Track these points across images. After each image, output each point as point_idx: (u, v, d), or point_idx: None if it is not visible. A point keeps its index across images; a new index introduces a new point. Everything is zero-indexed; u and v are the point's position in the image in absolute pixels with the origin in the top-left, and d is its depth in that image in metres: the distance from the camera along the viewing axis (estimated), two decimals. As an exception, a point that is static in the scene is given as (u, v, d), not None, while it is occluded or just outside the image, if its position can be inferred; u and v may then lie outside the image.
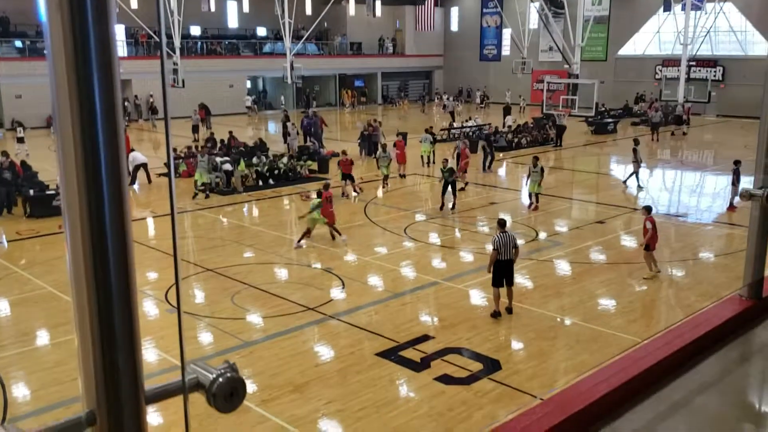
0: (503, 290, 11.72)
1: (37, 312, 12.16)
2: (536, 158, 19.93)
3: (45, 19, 1.42)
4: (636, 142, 23.43)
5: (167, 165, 1.86)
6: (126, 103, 41.44)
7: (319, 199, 16.02)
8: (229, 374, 1.57)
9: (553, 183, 24.17)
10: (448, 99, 47.00)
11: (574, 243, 16.51)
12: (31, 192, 19.01)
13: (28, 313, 12.17)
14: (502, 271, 11.61)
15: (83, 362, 1.48)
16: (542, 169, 19.50)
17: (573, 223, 18.67)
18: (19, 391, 9.50)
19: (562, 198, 21.54)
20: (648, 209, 14.06)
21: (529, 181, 19.69)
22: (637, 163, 22.51)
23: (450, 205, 19.37)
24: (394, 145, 24.68)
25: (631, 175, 22.87)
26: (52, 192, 18.90)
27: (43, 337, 11.31)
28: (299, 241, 15.97)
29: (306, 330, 11.38)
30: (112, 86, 1.46)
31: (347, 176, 21.21)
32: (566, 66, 34.10)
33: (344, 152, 22.65)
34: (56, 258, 14.99)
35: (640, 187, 22.49)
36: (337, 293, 13.11)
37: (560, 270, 14.60)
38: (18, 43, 39.28)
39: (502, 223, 12.07)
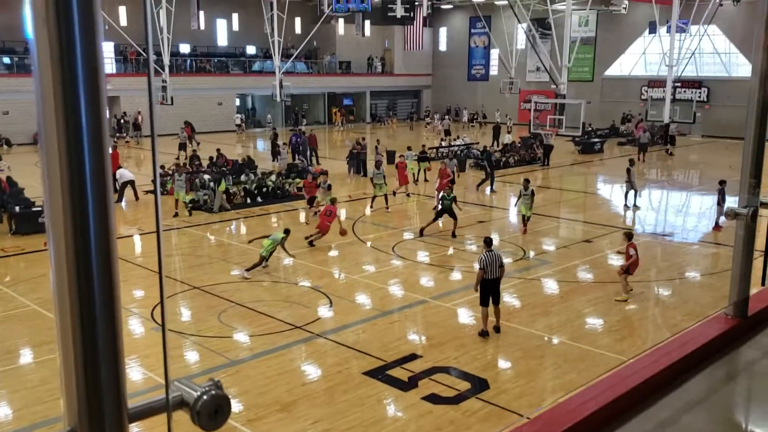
0: (490, 309, 11.71)
1: (21, 330, 12.02)
2: (527, 181, 19.34)
3: (32, 34, 1.41)
4: (631, 162, 23.19)
5: (154, 182, 1.86)
6: (123, 120, 41.35)
7: (283, 236, 15.29)
8: (213, 392, 1.56)
9: (540, 202, 24.25)
10: (443, 117, 47.24)
11: (561, 262, 16.56)
12: (17, 209, 18.86)
13: (12, 331, 12.01)
14: (488, 290, 11.60)
15: (65, 379, 1.46)
16: (533, 192, 19.03)
17: (560, 242, 18.73)
18: (1, 410, 9.35)
19: (550, 217, 21.63)
20: (629, 236, 13.97)
21: (519, 203, 19.24)
22: (630, 183, 22.40)
23: (451, 233, 18.61)
24: (396, 165, 24.43)
25: (627, 195, 22.68)
26: (38, 209, 18.76)
27: (26, 356, 11.17)
28: (247, 270, 14.95)
29: (293, 348, 11.30)
30: (99, 103, 1.45)
31: (311, 200, 21.07)
32: (553, 86, 34.40)
33: (312, 175, 22.78)
34: (41, 275, 14.83)
35: (636, 207, 22.45)
36: (324, 311, 13.05)
37: (548, 289, 14.62)
38: (6, 60, 39.18)
39: (488, 242, 12.07)
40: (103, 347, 1.46)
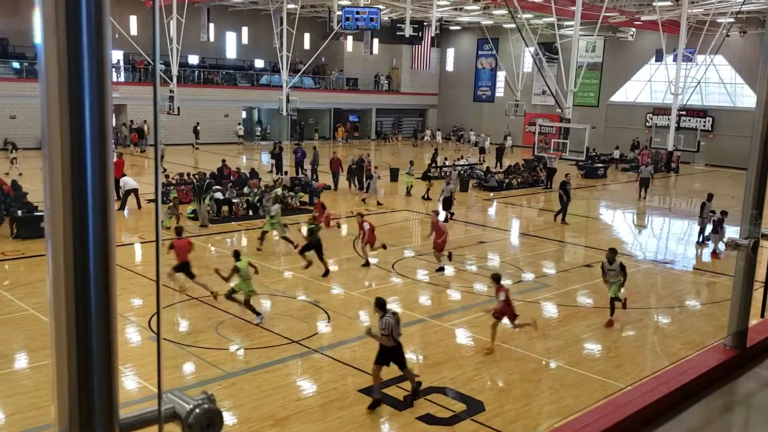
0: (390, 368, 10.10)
1: (18, 334, 11.99)
2: (613, 251, 13.78)
3: (41, 41, 1.43)
4: (709, 197, 21.68)
5: (155, 191, 1.86)
6: (131, 127, 41.42)
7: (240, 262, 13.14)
8: (206, 405, 1.55)
9: (542, 225, 24.27)
10: (479, 135, 47.68)
11: (561, 285, 16.51)
12: (19, 212, 18.88)
13: (8, 335, 11.98)
14: (388, 357, 9.89)
15: (57, 385, 1.45)
16: (622, 266, 13.47)
17: (561, 265, 18.70)
18: (-7, 415, 9.30)
19: (552, 240, 21.60)
20: (497, 278, 11.99)
21: (607, 282, 13.63)
22: (702, 218, 21.03)
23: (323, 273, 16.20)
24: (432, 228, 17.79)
25: (702, 231, 21.39)
26: (41, 213, 18.77)
27: (22, 360, 11.13)
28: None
29: (289, 363, 11.25)
30: (104, 110, 1.46)
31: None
32: (558, 110, 34.53)
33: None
34: (40, 280, 14.81)
35: (703, 243, 21.22)
36: (322, 327, 13.01)
37: (547, 312, 14.57)
38: (15, 65, 39.43)
39: (381, 305, 9.93)
40: (97, 355, 1.46)
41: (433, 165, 33.36)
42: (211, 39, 41.45)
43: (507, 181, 32.27)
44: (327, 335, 12.63)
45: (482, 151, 43.06)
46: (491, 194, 29.90)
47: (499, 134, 49.13)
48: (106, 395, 1.46)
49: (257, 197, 23.66)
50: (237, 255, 13.18)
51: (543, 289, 16.22)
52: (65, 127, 1.42)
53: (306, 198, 25.44)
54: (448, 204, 23.25)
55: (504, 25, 48.05)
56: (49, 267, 1.46)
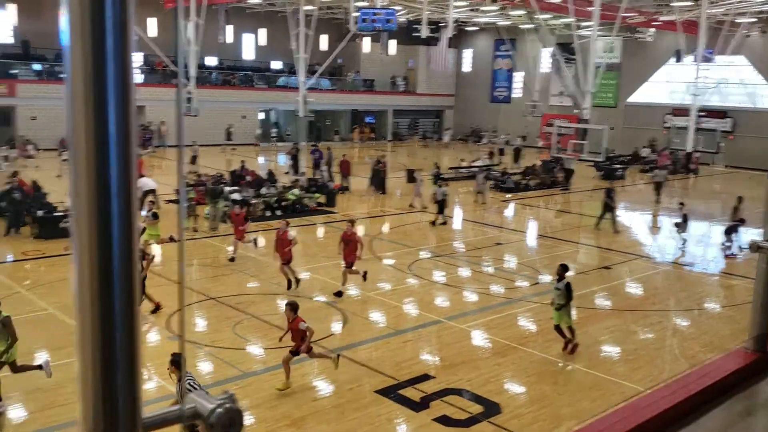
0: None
1: (38, 333, 12.11)
2: (564, 267, 12.12)
3: (67, 43, 1.45)
4: (739, 200, 21.30)
5: (178, 192, 1.88)
6: (154, 127, 41.71)
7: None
8: (227, 405, 1.56)
9: (559, 227, 24.16)
10: (499, 136, 47.56)
11: (579, 288, 16.37)
12: (40, 213, 19.10)
13: (29, 334, 12.10)
14: None
15: (82, 385, 1.47)
16: (568, 287, 11.85)
17: (579, 267, 18.58)
18: (16, 413, 9.41)
19: (569, 242, 21.48)
20: (293, 306, 10.24)
21: (553, 306, 12.12)
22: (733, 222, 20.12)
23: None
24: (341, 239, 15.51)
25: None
26: (60, 213, 18.98)
27: (42, 359, 11.24)
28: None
29: (305, 363, 11.27)
30: (128, 112, 1.48)
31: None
32: (576, 110, 34.32)
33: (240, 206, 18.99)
34: (60, 280, 14.99)
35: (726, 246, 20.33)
36: (338, 327, 13.03)
37: (564, 314, 14.46)
38: (37, 66, 39.88)
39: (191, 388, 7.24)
40: (120, 355, 1.48)
41: (451, 167, 33.29)
42: (230, 41, 41.63)
43: (524, 182, 32.13)
44: (343, 336, 12.65)
45: (500, 152, 42.88)
46: (508, 195, 29.79)
47: (516, 135, 48.92)
48: (129, 395, 1.48)
49: (274, 198, 23.69)
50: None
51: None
52: (91, 127, 1.44)
53: (323, 199, 25.48)
54: (441, 208, 22.69)
55: (521, 26, 47.85)
56: (74, 267, 1.48)
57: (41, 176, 24.98)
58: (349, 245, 14.77)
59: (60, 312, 12.90)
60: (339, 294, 14.70)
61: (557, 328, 11.96)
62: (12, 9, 34.34)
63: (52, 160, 31.02)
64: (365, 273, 15.07)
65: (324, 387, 10.54)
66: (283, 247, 15.00)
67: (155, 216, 17.32)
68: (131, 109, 1.51)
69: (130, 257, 1.50)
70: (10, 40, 35.79)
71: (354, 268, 14.87)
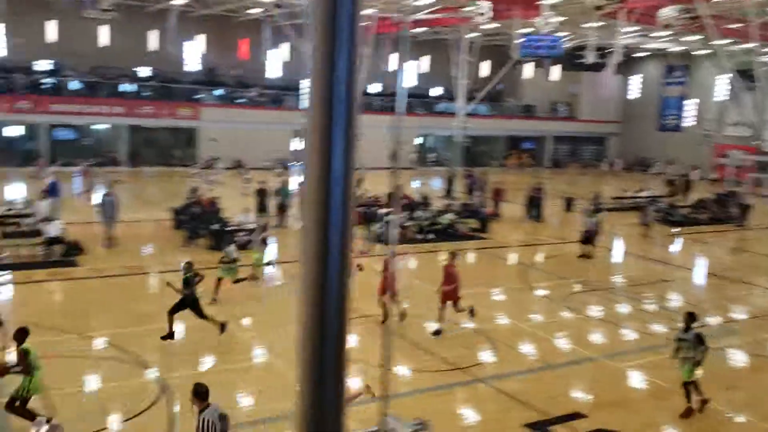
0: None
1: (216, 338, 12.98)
2: (692, 316, 10.78)
3: (311, 76, 2.05)
4: None
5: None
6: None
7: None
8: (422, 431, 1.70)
9: (733, 266, 22.38)
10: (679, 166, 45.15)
11: (753, 333, 15.08)
12: (215, 227, 20.71)
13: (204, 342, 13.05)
14: None
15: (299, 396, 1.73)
16: (699, 338, 10.45)
17: (753, 311, 17.07)
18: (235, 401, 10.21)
19: (742, 283, 19.81)
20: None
21: (679, 359, 10.69)
22: None
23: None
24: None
25: None
26: (232, 228, 20.42)
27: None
28: None
29: (454, 389, 11.27)
30: (351, 134, 2.06)
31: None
32: (755, 142, 31.71)
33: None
34: (228, 289, 15.88)
35: None
36: (487, 356, 12.89)
37: (735, 360, 13.35)
38: (219, 92, 43.44)
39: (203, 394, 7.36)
40: (330, 365, 1.70)
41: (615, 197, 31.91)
42: (393, 68, 42.90)
43: (695, 216, 30.09)
44: (491, 365, 12.50)
45: (671, 182, 40.34)
46: (676, 229, 28.02)
47: (686, 165, 45.96)
48: (336, 416, 1.69)
49: (427, 222, 23.96)
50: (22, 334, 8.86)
51: (731, 335, 14.88)
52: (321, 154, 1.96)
53: (476, 224, 25.40)
54: (589, 240, 21.56)
55: (692, 52, 45.17)
56: (300, 272, 1.80)
57: (220, 193, 27.08)
58: (448, 279, 13.72)
59: (233, 321, 13.68)
60: (437, 333, 13.71)
61: (686, 385, 10.49)
62: (201, 38, 37.84)
63: (232, 178, 33.53)
64: (472, 309, 14.02)
65: (470, 415, 10.45)
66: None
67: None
68: (353, 132, 2.03)
69: (344, 269, 1.99)
70: (198, 67, 39.28)
71: (459, 304, 13.82)
